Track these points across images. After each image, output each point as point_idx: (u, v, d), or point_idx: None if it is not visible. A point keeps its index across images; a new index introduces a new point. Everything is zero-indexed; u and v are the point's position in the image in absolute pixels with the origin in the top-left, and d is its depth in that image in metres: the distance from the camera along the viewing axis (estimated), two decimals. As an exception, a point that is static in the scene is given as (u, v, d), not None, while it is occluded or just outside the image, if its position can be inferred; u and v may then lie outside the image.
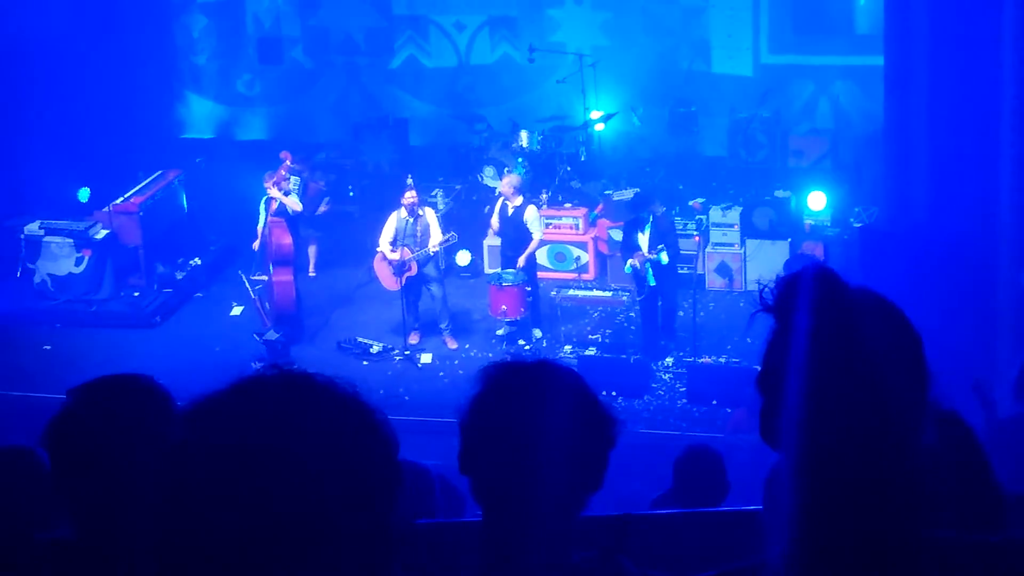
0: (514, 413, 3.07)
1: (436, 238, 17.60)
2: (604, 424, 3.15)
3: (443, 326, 18.01)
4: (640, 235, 16.92)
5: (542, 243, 18.44)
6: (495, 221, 18.31)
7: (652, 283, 16.97)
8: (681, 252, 17.69)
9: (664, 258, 16.81)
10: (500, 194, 18.50)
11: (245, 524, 2.08)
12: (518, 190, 18.16)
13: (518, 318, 17.85)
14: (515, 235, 17.94)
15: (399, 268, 17.59)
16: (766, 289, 2.70)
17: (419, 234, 17.59)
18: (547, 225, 19.03)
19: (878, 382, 2.56)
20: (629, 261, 17.06)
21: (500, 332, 17.98)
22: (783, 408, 2.63)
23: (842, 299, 2.63)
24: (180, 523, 2.10)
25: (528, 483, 3.04)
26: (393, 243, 17.62)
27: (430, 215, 17.89)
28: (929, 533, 2.62)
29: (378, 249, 17.79)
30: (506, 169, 20.20)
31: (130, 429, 3.48)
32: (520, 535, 3.08)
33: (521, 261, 17.85)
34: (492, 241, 19.17)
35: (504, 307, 17.72)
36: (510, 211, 18.01)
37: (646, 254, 16.83)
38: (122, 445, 3.47)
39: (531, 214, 18.00)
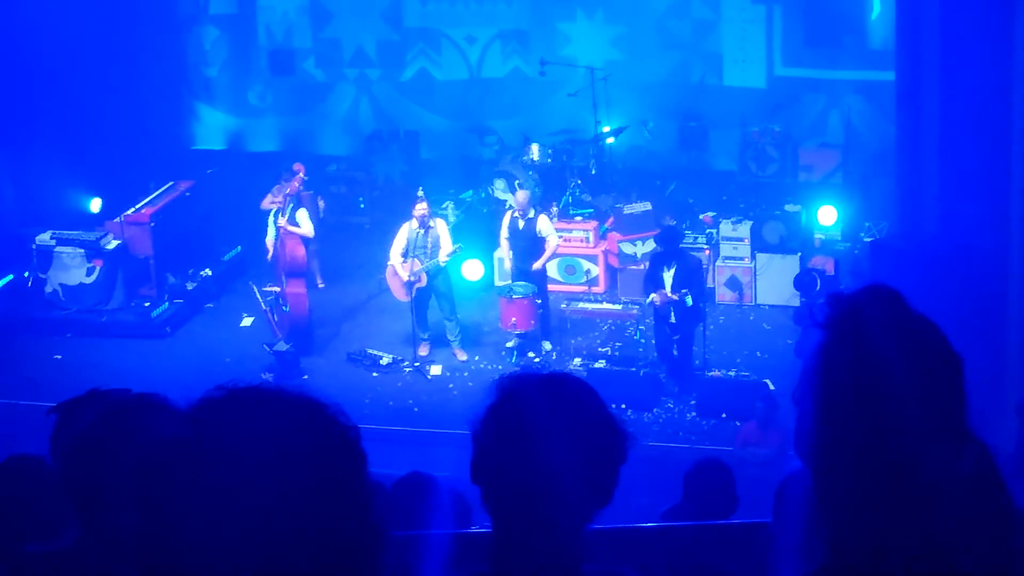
0: (527, 424, 3.07)
1: (446, 250, 17.61)
2: (616, 439, 3.15)
3: (452, 338, 18.02)
4: (665, 271, 16.73)
5: (553, 255, 18.44)
6: (505, 234, 18.31)
7: (673, 320, 16.80)
8: (705, 292, 17.36)
9: (688, 301, 16.61)
10: (511, 207, 18.51)
11: (217, 539, 2.11)
12: (530, 203, 18.23)
13: (528, 330, 17.87)
14: (528, 247, 17.98)
15: (409, 280, 17.62)
16: (816, 305, 2.71)
17: (429, 246, 17.57)
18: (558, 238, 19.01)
19: (914, 405, 2.57)
20: (651, 296, 16.89)
21: (510, 344, 17.99)
22: (818, 423, 2.64)
23: (890, 321, 2.64)
24: (159, 543, 2.15)
25: (538, 495, 3.04)
26: (404, 254, 17.63)
27: (441, 227, 17.86)
28: (955, 561, 2.64)
29: (389, 262, 17.81)
30: (517, 182, 20.21)
31: (139, 444, 3.49)
32: (529, 546, 3.08)
33: (539, 264, 17.90)
34: (503, 254, 19.20)
35: (514, 319, 17.73)
36: (521, 224, 18.03)
37: (669, 294, 16.66)
38: (131, 460, 3.49)
39: (544, 222, 18.07)
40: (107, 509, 3.51)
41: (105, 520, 3.52)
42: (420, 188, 19.39)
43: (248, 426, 2.19)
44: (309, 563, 2.13)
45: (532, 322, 17.86)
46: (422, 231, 17.59)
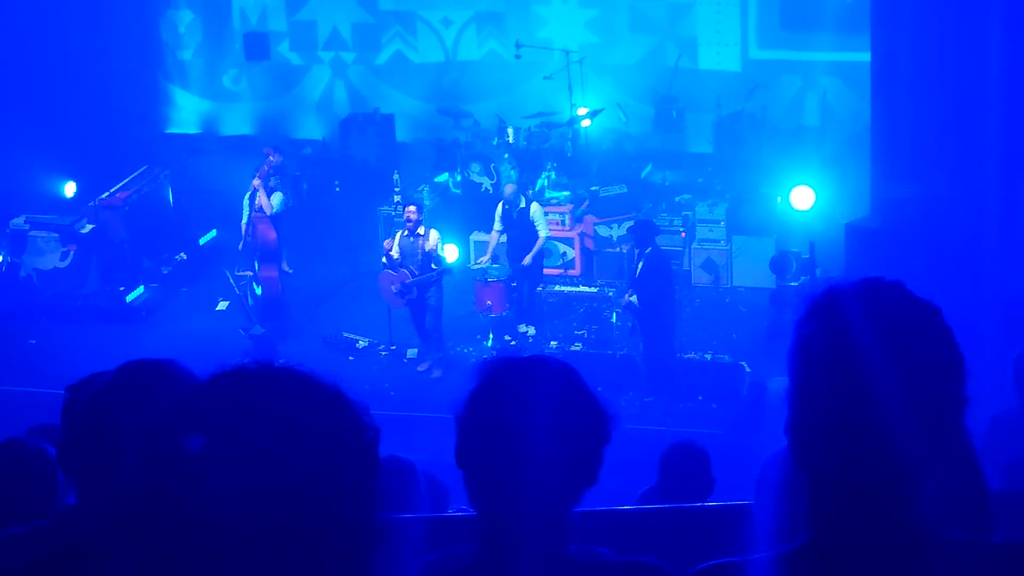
0: (510, 408, 3.08)
1: (438, 262, 17.16)
2: (599, 420, 3.17)
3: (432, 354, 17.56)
4: (637, 266, 16.66)
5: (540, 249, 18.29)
6: (498, 227, 18.22)
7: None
8: (666, 291, 16.84)
9: (635, 301, 16.55)
10: (502, 199, 18.35)
11: (223, 515, 2.10)
12: (519, 193, 18.17)
13: (503, 313, 17.87)
14: (523, 237, 17.92)
15: (400, 291, 17.24)
16: (809, 295, 2.71)
17: (420, 256, 17.10)
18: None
19: (902, 402, 2.58)
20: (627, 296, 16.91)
21: (493, 315, 17.91)
22: (804, 413, 2.65)
23: (883, 318, 2.64)
24: (161, 514, 2.13)
25: (523, 478, 3.06)
26: (401, 263, 17.15)
27: (433, 238, 17.20)
28: (934, 533, 2.66)
29: (385, 268, 17.41)
30: (492, 165, 20.16)
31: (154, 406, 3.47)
32: (514, 529, 3.10)
33: (527, 259, 17.82)
34: (479, 237, 19.16)
35: (489, 302, 17.73)
36: (514, 215, 17.98)
37: (627, 295, 16.73)
38: (142, 421, 3.47)
39: (536, 211, 18.03)
40: (111, 470, 3.50)
41: (105, 482, 3.51)
42: (396, 172, 19.41)
43: (274, 407, 2.18)
44: (306, 551, 2.13)
45: (507, 305, 17.86)
46: (411, 239, 17.16)
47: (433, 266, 17.10)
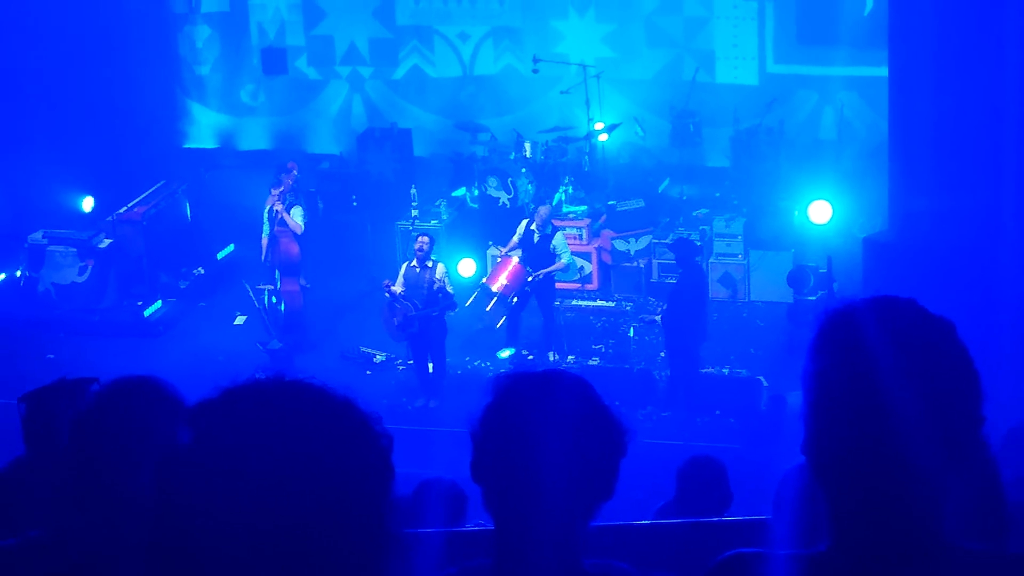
0: (525, 422, 3.09)
1: (445, 295, 16.85)
2: (615, 433, 3.17)
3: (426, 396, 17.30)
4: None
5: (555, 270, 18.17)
6: (515, 242, 18.06)
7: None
8: (696, 314, 16.85)
9: (657, 319, 16.66)
10: (530, 221, 18.20)
11: (236, 528, 2.10)
12: (549, 219, 18.06)
13: (506, 296, 17.55)
14: (541, 261, 17.75)
15: (401, 324, 17.10)
16: (822, 314, 2.72)
17: (425, 289, 16.91)
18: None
19: (920, 420, 2.59)
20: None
21: (496, 292, 17.76)
22: (822, 434, 2.67)
23: (896, 337, 2.65)
24: (172, 526, 2.13)
25: (539, 492, 3.07)
26: (404, 297, 16.92)
27: (440, 272, 16.96)
28: (953, 545, 2.67)
29: (387, 294, 17.18)
30: (510, 180, 20.16)
31: (142, 429, 3.50)
32: (531, 543, 3.10)
33: (542, 272, 17.61)
34: (495, 252, 19.12)
35: (500, 281, 17.46)
36: (536, 238, 17.79)
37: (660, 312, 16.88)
38: (135, 445, 3.49)
39: (560, 240, 17.89)
40: (107, 489, 3.50)
41: (103, 500, 3.51)
42: (413, 187, 19.36)
43: (286, 419, 2.18)
44: (319, 561, 2.13)
45: (515, 292, 17.55)
46: (419, 270, 16.95)
47: (439, 296, 16.91)
